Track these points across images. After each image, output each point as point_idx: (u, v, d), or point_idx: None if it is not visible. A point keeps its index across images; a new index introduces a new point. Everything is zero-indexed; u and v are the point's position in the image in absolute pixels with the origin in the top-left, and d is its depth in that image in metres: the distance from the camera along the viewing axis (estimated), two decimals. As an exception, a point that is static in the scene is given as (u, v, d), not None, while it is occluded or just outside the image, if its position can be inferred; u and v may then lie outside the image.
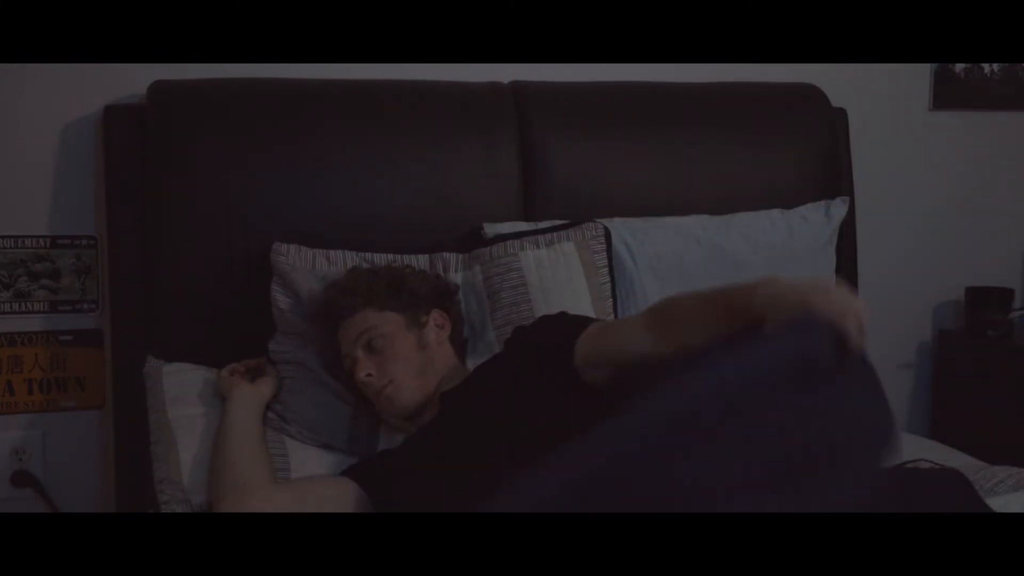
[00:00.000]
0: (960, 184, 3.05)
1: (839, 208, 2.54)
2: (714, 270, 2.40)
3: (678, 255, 2.40)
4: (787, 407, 1.35)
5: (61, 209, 2.42)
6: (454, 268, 2.26)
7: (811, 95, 2.69)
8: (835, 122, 2.72)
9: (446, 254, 2.27)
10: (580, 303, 2.24)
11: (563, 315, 1.98)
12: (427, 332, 2.05)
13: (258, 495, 1.87)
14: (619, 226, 2.38)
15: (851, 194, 2.72)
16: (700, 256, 2.40)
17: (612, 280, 2.33)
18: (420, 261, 2.24)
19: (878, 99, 2.91)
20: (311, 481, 1.97)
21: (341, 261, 2.20)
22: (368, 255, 2.21)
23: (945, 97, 2.98)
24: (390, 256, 2.23)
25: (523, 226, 2.36)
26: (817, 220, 2.51)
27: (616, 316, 2.31)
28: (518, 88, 2.51)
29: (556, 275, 2.26)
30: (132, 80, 2.36)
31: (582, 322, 1.87)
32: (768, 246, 2.45)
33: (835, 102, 2.72)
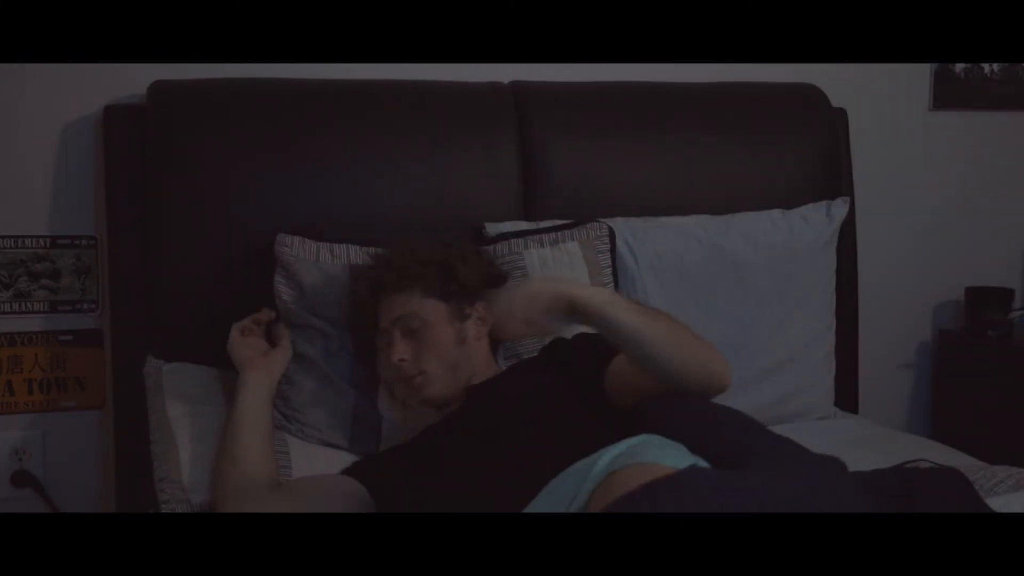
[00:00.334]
0: (960, 184, 3.04)
1: (840, 208, 2.54)
2: (715, 270, 2.40)
3: (679, 255, 2.40)
4: None
5: (61, 209, 2.42)
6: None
7: (811, 95, 2.69)
8: (835, 122, 2.72)
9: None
10: (583, 302, 2.24)
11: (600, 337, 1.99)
12: (468, 326, 2.02)
13: (260, 501, 1.86)
14: (620, 226, 2.39)
15: (851, 194, 2.72)
16: (701, 256, 2.41)
17: (616, 280, 2.33)
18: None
19: (878, 99, 2.91)
20: (313, 483, 1.96)
21: (345, 255, 2.20)
22: (371, 249, 2.21)
23: (945, 97, 2.98)
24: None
25: (524, 226, 2.36)
26: (818, 220, 2.51)
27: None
28: (518, 88, 2.51)
29: (560, 274, 2.26)
30: (132, 80, 2.36)
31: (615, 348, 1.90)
32: (768, 246, 2.45)
33: (835, 102, 2.72)
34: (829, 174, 2.66)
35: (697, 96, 2.63)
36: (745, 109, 2.65)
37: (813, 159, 2.65)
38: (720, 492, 1.46)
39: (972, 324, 2.94)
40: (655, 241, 2.40)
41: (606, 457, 1.53)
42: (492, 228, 2.34)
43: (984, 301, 2.93)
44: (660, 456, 1.53)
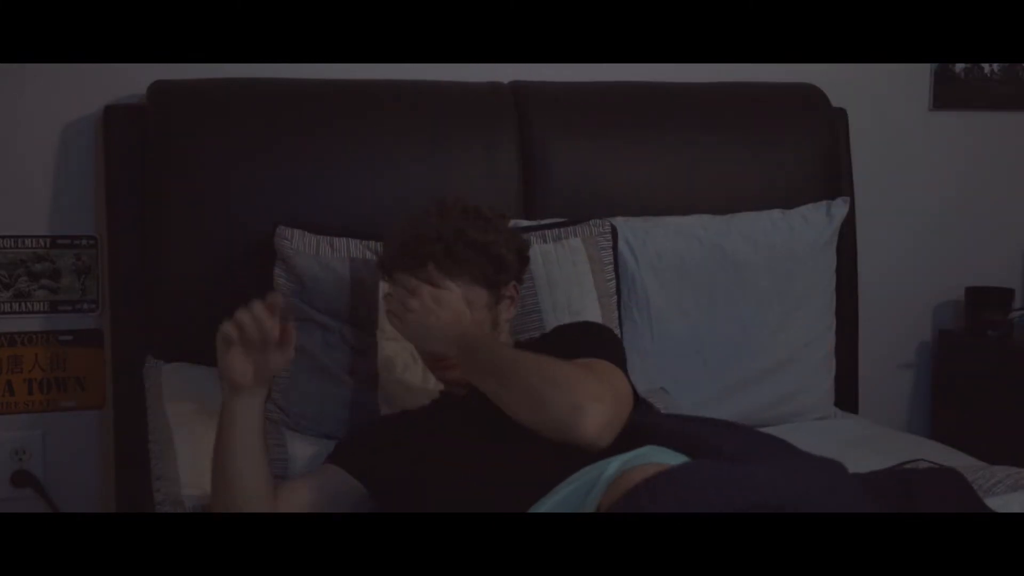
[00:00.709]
0: (960, 184, 3.04)
1: (840, 208, 2.54)
2: (715, 270, 2.41)
3: (679, 255, 2.40)
4: None
5: (61, 209, 2.42)
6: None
7: (811, 95, 2.69)
8: (835, 122, 2.72)
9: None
10: (586, 299, 2.25)
11: (610, 334, 2.00)
12: (502, 308, 1.97)
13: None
14: (621, 225, 2.39)
15: (851, 194, 2.72)
16: (701, 256, 2.41)
17: (617, 278, 2.33)
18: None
19: (878, 99, 2.91)
20: (306, 488, 1.91)
21: (344, 248, 2.20)
22: (372, 243, 2.21)
23: (945, 97, 2.98)
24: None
25: (526, 223, 2.36)
26: (818, 220, 2.51)
27: (620, 314, 2.32)
28: (518, 88, 2.51)
29: (563, 270, 2.26)
30: (132, 80, 2.36)
31: (621, 356, 1.90)
32: (768, 246, 2.45)
33: (835, 102, 2.72)
34: (829, 174, 2.66)
35: (697, 96, 2.63)
36: (745, 109, 2.65)
37: (813, 159, 2.65)
38: (721, 485, 1.47)
39: (972, 324, 2.94)
40: (655, 241, 2.40)
41: (615, 464, 1.54)
42: (494, 225, 2.34)
43: (984, 301, 2.93)
44: (667, 460, 1.53)
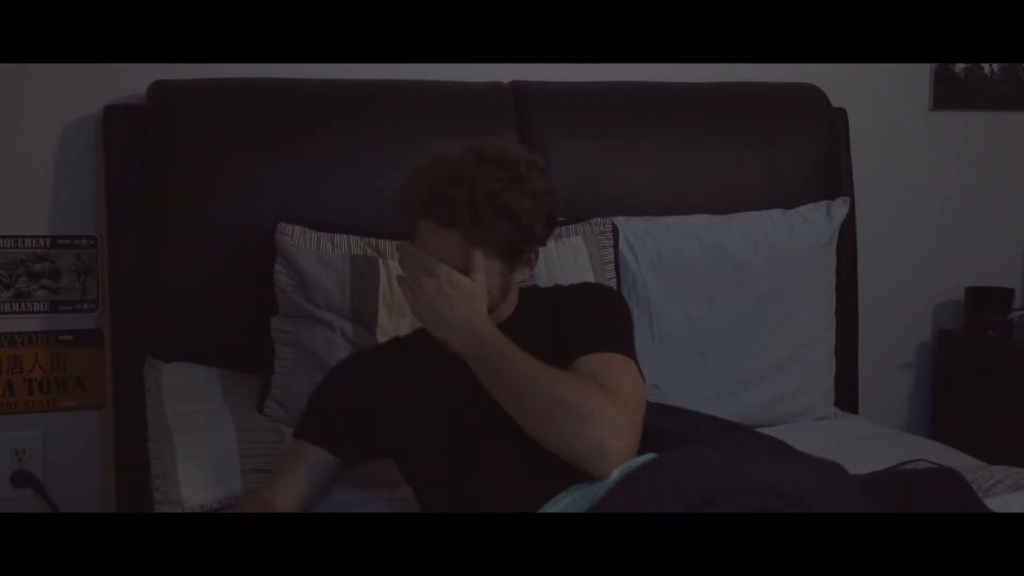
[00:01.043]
0: (960, 184, 3.05)
1: (840, 208, 2.54)
2: (715, 269, 2.41)
3: (680, 254, 2.40)
4: None
5: (61, 209, 2.42)
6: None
7: (811, 95, 2.69)
8: (835, 122, 2.72)
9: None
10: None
11: (619, 306, 1.92)
12: (517, 273, 1.85)
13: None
14: (621, 224, 2.39)
15: (851, 194, 2.72)
16: (701, 255, 2.41)
17: (618, 276, 2.34)
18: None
19: (878, 99, 2.91)
20: (294, 480, 1.88)
21: (345, 244, 2.20)
22: (373, 240, 2.21)
23: (945, 97, 2.99)
24: (399, 243, 2.22)
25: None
26: (818, 220, 2.51)
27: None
28: (518, 88, 2.51)
29: (564, 267, 2.26)
30: (132, 80, 2.36)
31: (630, 334, 1.86)
32: (769, 246, 2.45)
33: (835, 102, 2.72)
34: (829, 174, 2.67)
35: (697, 96, 2.63)
36: (745, 109, 2.65)
37: (813, 159, 2.65)
38: (697, 472, 1.48)
39: (972, 324, 2.94)
40: (656, 240, 2.40)
41: (616, 471, 1.57)
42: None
43: (984, 301, 2.93)
44: None
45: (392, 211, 2.30)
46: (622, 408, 1.68)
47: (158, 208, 2.29)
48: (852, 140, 2.78)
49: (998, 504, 1.80)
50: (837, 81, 2.73)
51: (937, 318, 3.07)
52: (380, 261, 2.20)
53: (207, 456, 2.01)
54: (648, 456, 1.63)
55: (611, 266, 2.33)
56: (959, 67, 2.98)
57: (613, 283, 2.32)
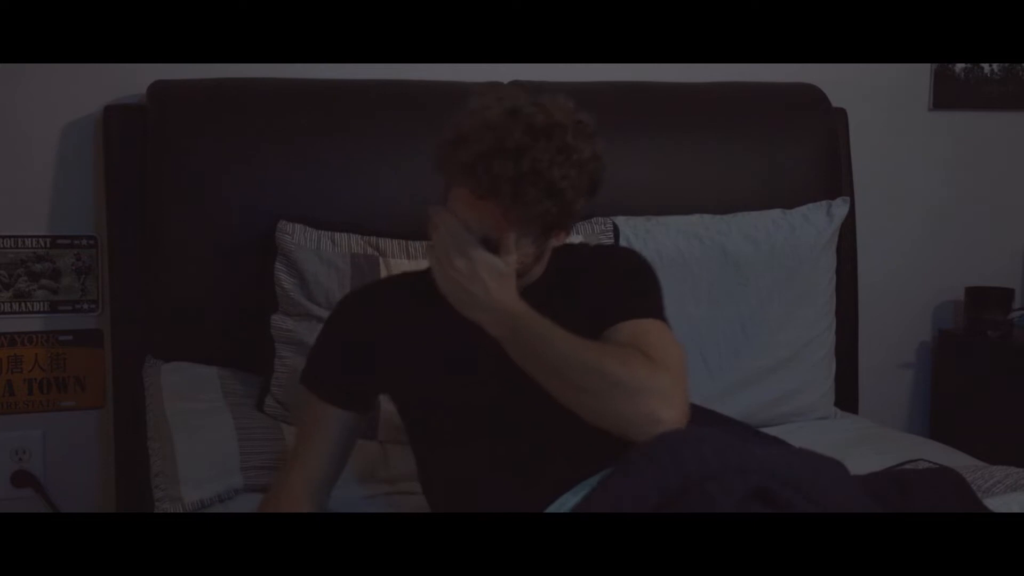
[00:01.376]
0: (960, 184, 3.05)
1: (840, 208, 2.54)
2: (716, 269, 2.41)
3: (680, 254, 2.40)
4: None
5: (61, 209, 2.42)
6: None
7: (811, 95, 2.69)
8: (835, 122, 2.72)
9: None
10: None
11: (650, 271, 1.87)
12: (551, 242, 1.78)
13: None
14: (622, 224, 2.39)
15: (851, 194, 2.72)
16: (702, 255, 2.41)
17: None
18: (426, 248, 2.21)
19: (878, 99, 2.91)
20: (319, 448, 1.85)
21: (346, 243, 2.20)
22: (373, 239, 2.21)
23: (945, 97, 2.99)
24: (399, 242, 2.22)
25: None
26: (819, 220, 2.51)
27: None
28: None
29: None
30: (132, 80, 2.36)
31: (661, 298, 1.82)
32: (769, 245, 2.45)
33: (835, 102, 2.72)
34: (829, 174, 2.67)
35: (697, 96, 2.63)
36: (745, 109, 2.65)
37: (813, 159, 2.65)
38: (694, 449, 1.48)
39: (972, 324, 2.94)
40: (657, 240, 2.40)
41: None
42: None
43: (984, 301, 2.93)
44: None
45: (392, 210, 2.33)
46: (670, 375, 1.63)
47: (158, 208, 2.29)
48: (852, 140, 2.78)
49: (998, 504, 1.80)
50: (837, 81, 2.73)
51: (937, 318, 3.07)
52: (380, 260, 2.20)
53: (207, 454, 2.01)
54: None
55: (612, 265, 2.33)
56: (959, 67, 2.98)
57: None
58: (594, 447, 1.62)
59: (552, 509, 1.60)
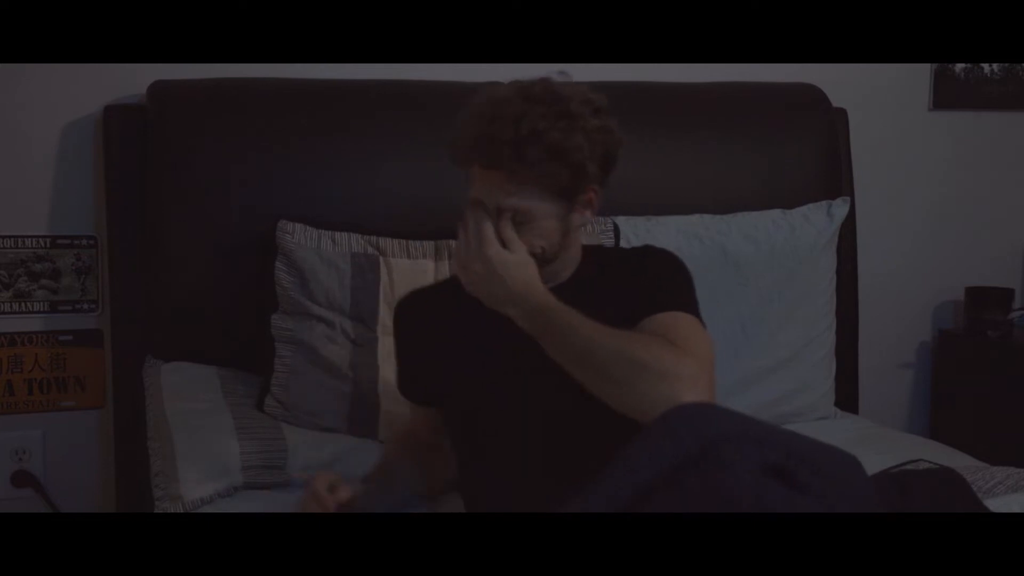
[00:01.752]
0: (960, 184, 3.05)
1: (841, 208, 2.54)
2: (716, 269, 2.41)
3: (680, 254, 2.39)
4: None
5: (61, 209, 2.42)
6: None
7: (811, 95, 2.69)
8: (835, 122, 2.72)
9: (453, 241, 2.26)
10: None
11: (684, 270, 1.89)
12: (574, 218, 1.78)
13: None
14: (622, 224, 2.39)
15: (851, 194, 2.72)
16: (702, 255, 2.41)
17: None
18: (426, 248, 2.22)
19: (878, 99, 2.91)
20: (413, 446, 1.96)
21: (346, 243, 2.20)
22: (373, 238, 2.21)
23: (945, 97, 2.99)
24: (399, 241, 2.21)
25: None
26: (819, 220, 2.51)
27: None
28: (518, 88, 2.51)
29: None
30: (132, 80, 2.36)
31: (694, 294, 1.84)
32: (770, 246, 2.45)
33: (835, 102, 2.72)
34: (829, 174, 2.67)
35: (697, 96, 2.64)
36: (745, 109, 2.65)
37: (813, 159, 2.65)
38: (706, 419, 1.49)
39: (972, 324, 2.94)
40: (657, 240, 2.39)
41: None
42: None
43: (984, 301, 2.93)
44: None
45: (392, 210, 2.33)
46: (695, 361, 1.65)
47: (158, 208, 2.29)
48: (852, 140, 2.78)
49: (999, 505, 1.80)
50: (837, 81, 2.73)
51: (937, 318, 3.07)
52: (380, 259, 2.20)
53: (207, 453, 2.02)
54: None
55: (612, 267, 2.33)
56: (959, 67, 2.98)
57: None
58: (619, 433, 1.62)
59: None
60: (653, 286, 1.80)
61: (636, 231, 2.40)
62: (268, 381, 2.18)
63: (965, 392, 2.96)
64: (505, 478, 1.77)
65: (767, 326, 2.44)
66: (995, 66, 3.00)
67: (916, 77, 2.97)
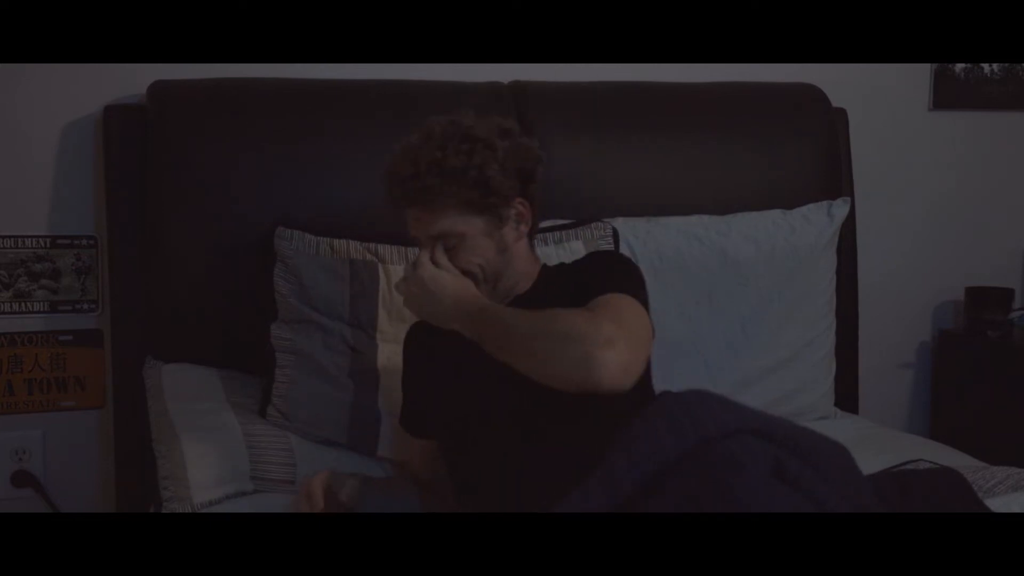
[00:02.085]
0: (960, 184, 3.05)
1: (841, 208, 2.54)
2: (716, 270, 2.41)
3: (680, 255, 2.40)
4: None
5: (61, 209, 2.42)
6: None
7: (811, 95, 2.69)
8: (835, 122, 2.72)
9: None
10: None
11: (634, 267, 1.93)
12: (507, 232, 1.87)
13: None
14: (621, 225, 2.39)
15: (851, 194, 2.72)
16: (702, 256, 2.41)
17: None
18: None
19: (878, 99, 2.91)
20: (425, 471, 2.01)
21: (345, 250, 2.19)
22: (372, 245, 2.21)
23: (945, 97, 2.99)
24: (398, 248, 2.21)
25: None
26: (819, 220, 2.51)
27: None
28: (518, 88, 2.51)
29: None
30: (132, 80, 2.36)
31: (642, 287, 1.87)
32: (770, 246, 2.45)
33: (835, 102, 2.72)
34: (829, 174, 2.67)
35: (697, 96, 2.63)
36: (745, 109, 2.65)
37: (813, 159, 2.65)
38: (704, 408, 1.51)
39: (972, 324, 2.94)
40: (656, 241, 2.40)
41: None
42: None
43: (984, 301, 2.93)
44: None
45: (391, 214, 2.32)
46: (611, 323, 1.67)
47: (158, 208, 2.29)
48: (852, 140, 2.78)
49: (999, 504, 1.80)
50: (837, 81, 2.73)
51: (937, 318, 3.07)
52: (379, 266, 2.19)
53: (215, 455, 2.02)
54: None
55: (612, 269, 2.33)
56: (959, 67, 2.98)
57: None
58: (606, 437, 1.63)
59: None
60: (595, 277, 1.84)
61: (636, 232, 2.40)
62: (269, 390, 2.17)
63: (965, 392, 2.96)
64: (491, 480, 1.79)
65: (767, 326, 2.44)
66: (995, 66, 3.00)
67: (916, 77, 2.97)
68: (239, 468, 2.01)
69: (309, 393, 2.15)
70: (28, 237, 2.41)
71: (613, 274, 1.86)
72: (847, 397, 2.67)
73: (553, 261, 2.26)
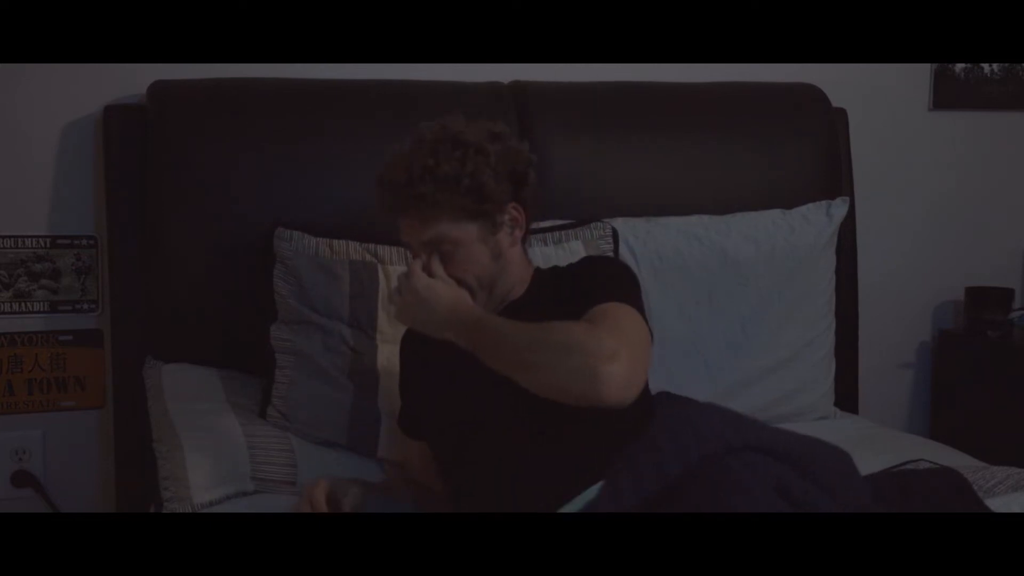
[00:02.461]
0: (960, 184, 3.05)
1: (840, 208, 2.54)
2: (715, 270, 2.41)
3: (680, 255, 2.40)
4: None
5: (61, 209, 2.42)
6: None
7: (811, 95, 2.69)
8: (835, 122, 2.72)
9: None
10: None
11: (629, 273, 1.92)
12: (501, 238, 1.86)
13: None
14: (621, 226, 2.39)
15: (851, 194, 2.72)
16: (702, 256, 2.41)
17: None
18: None
19: (878, 99, 2.91)
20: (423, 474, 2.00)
21: (344, 251, 2.19)
22: (372, 246, 2.21)
23: (945, 97, 2.99)
24: (397, 248, 2.22)
25: (526, 225, 2.36)
26: (819, 220, 2.51)
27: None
28: (518, 88, 2.51)
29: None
30: (132, 80, 2.36)
31: (637, 294, 1.86)
32: (769, 246, 2.45)
33: (835, 102, 2.72)
34: (829, 174, 2.67)
35: (697, 96, 2.63)
36: (745, 109, 2.65)
37: (813, 159, 2.65)
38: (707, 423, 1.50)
39: (972, 324, 2.94)
40: (656, 241, 2.40)
41: None
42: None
43: (984, 301, 2.93)
44: None
45: (383, 222, 2.32)
46: (614, 335, 1.66)
47: (158, 208, 2.29)
48: (852, 140, 2.78)
49: (999, 504, 1.80)
50: (837, 81, 2.73)
51: (937, 318, 3.07)
52: (379, 267, 2.19)
53: (215, 456, 2.02)
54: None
55: (611, 269, 2.33)
56: (959, 67, 2.98)
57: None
58: (602, 443, 1.63)
59: (570, 507, 1.63)
60: (591, 285, 1.83)
61: (636, 232, 2.40)
62: (269, 391, 2.17)
63: (965, 392, 2.96)
64: (484, 484, 1.80)
65: (767, 326, 2.44)
66: (995, 66, 3.00)
67: (916, 77, 2.97)
68: (239, 468, 2.02)
69: (309, 394, 2.15)
70: (28, 237, 2.41)
71: (609, 281, 1.84)
72: (847, 397, 2.67)
73: (553, 261, 2.26)
